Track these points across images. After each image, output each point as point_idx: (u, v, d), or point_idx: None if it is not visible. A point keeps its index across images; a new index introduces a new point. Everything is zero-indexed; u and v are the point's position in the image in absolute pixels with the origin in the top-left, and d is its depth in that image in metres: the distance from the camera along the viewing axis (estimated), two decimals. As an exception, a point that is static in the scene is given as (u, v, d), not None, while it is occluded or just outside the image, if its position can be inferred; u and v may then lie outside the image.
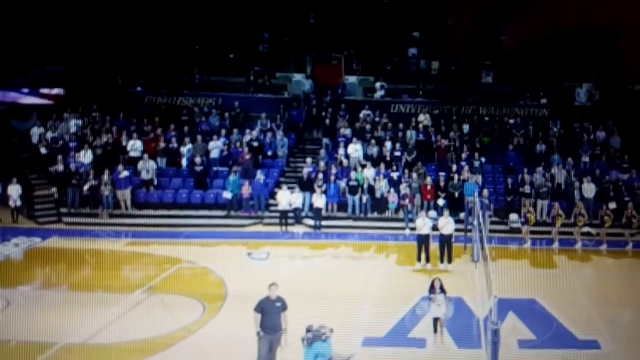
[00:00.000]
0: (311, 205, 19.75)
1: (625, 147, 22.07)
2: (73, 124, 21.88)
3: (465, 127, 22.84)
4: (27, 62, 21.53)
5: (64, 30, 22.19)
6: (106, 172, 19.88)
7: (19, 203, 19.56)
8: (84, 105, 22.50)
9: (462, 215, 18.59)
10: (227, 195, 19.95)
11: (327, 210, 20.01)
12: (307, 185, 19.98)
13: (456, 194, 19.88)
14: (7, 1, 21.23)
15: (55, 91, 22.11)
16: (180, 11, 23.78)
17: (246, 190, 20.06)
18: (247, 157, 21.01)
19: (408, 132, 22.44)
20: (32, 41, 21.44)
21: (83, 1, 22.79)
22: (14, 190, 19.50)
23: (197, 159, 20.71)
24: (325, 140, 22.58)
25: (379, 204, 20.17)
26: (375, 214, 20.15)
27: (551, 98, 24.04)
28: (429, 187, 20.02)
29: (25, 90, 21.52)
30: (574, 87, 24.08)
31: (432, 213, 18.82)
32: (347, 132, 22.58)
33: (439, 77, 24.97)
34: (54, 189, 20.15)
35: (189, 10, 23.92)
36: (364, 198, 20.13)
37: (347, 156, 21.40)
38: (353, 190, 20.17)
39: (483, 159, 21.48)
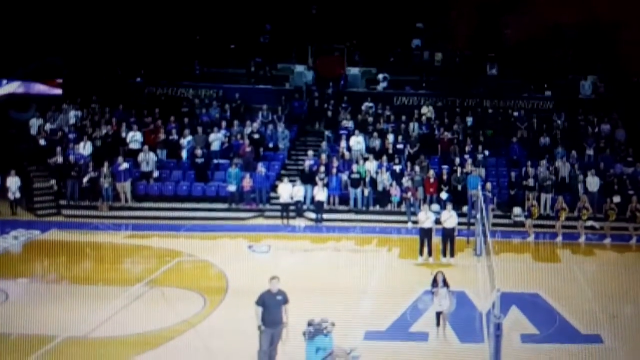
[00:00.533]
0: (313, 198, 19.64)
1: (630, 140, 21.96)
2: (72, 115, 21.79)
3: (469, 120, 22.73)
4: (27, 53, 21.37)
5: (64, 21, 22.03)
6: (106, 164, 19.75)
7: (17, 195, 19.45)
8: (83, 96, 22.38)
9: (465, 208, 18.51)
10: (231, 188, 19.81)
11: (328, 203, 19.90)
12: (308, 178, 19.86)
13: (459, 187, 19.78)
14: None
15: (54, 82, 21.92)
16: (181, 1, 23.62)
17: (247, 182, 19.94)
18: (248, 149, 20.88)
19: (411, 125, 22.32)
20: (31, 32, 21.28)
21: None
22: (13, 182, 19.38)
23: (198, 151, 20.60)
24: (327, 133, 22.47)
25: (381, 197, 20.06)
26: (378, 207, 20.05)
27: (555, 90, 23.93)
28: (431, 180, 19.89)
29: (25, 81, 21.34)
30: (579, 80, 23.97)
31: (435, 206, 18.69)
32: (349, 124, 22.48)
33: (442, 69, 24.83)
34: (53, 181, 20.05)
35: (190, 0, 23.75)
36: (366, 191, 20.02)
37: (349, 149, 21.28)
38: (355, 183, 20.06)
39: (486, 152, 21.37)
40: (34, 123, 21.32)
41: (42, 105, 21.70)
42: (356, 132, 21.72)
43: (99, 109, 22.26)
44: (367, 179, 20.13)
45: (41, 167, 20.48)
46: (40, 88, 21.21)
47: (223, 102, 23.06)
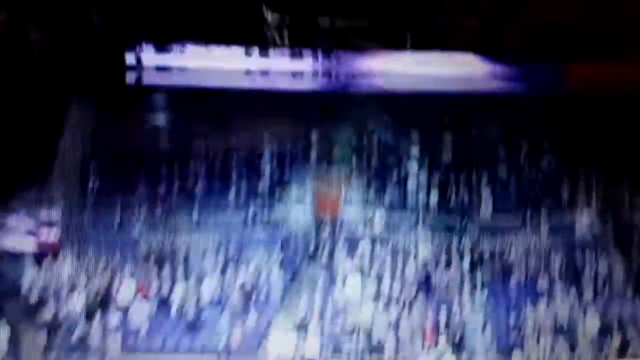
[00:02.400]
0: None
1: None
2: (66, 268, 21.75)
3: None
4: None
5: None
6: (97, 317, 19.52)
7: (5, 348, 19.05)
8: (79, 247, 22.52)
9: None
10: (222, 339, 19.27)
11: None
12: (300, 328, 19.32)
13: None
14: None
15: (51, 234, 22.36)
16: None
17: (237, 335, 19.42)
18: (238, 299, 20.58)
19: (407, 269, 21.87)
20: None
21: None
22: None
23: (189, 302, 20.36)
24: (322, 276, 21.95)
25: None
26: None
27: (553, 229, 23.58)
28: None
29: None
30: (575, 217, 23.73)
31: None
32: (346, 266, 22.02)
33: (438, 207, 24.73)
34: (43, 335, 19.60)
35: None
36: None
37: (344, 293, 20.81)
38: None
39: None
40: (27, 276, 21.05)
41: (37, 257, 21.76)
42: (353, 274, 21.28)
43: (95, 261, 22.23)
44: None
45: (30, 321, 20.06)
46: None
47: (217, 250, 22.83)
